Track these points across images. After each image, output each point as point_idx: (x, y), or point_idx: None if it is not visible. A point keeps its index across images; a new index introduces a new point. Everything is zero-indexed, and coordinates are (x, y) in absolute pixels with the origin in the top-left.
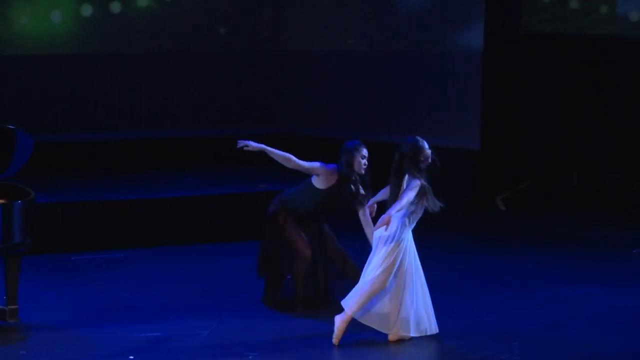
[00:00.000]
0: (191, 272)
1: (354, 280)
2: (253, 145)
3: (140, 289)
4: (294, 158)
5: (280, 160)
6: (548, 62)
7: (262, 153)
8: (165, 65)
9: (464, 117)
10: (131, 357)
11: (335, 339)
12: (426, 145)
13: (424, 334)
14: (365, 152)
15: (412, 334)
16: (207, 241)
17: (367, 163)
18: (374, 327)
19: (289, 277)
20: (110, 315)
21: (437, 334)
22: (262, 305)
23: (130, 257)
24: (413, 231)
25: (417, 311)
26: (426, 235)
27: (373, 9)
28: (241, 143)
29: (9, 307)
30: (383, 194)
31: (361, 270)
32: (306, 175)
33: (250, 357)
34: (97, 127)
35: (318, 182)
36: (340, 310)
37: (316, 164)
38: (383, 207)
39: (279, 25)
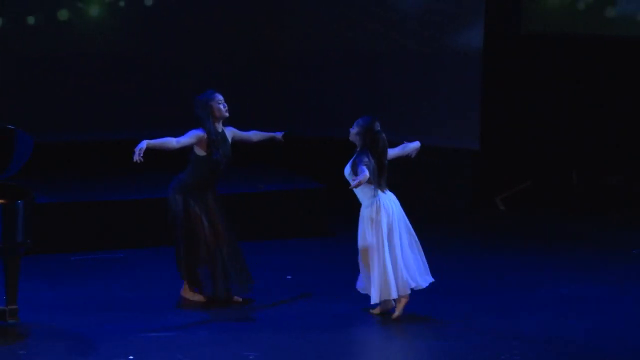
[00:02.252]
0: None
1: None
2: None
3: (140, 289)
4: (172, 139)
5: (163, 148)
6: (548, 62)
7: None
8: (164, 65)
9: (464, 117)
10: (131, 357)
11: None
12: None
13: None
14: (220, 97)
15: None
16: None
17: (226, 105)
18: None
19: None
20: (110, 315)
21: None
22: (261, 305)
23: (130, 257)
24: None
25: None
26: (426, 235)
27: (373, 9)
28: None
29: (9, 307)
30: None
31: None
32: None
33: (250, 357)
34: (97, 127)
35: (200, 151)
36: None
37: (190, 132)
38: None
39: (278, 24)
